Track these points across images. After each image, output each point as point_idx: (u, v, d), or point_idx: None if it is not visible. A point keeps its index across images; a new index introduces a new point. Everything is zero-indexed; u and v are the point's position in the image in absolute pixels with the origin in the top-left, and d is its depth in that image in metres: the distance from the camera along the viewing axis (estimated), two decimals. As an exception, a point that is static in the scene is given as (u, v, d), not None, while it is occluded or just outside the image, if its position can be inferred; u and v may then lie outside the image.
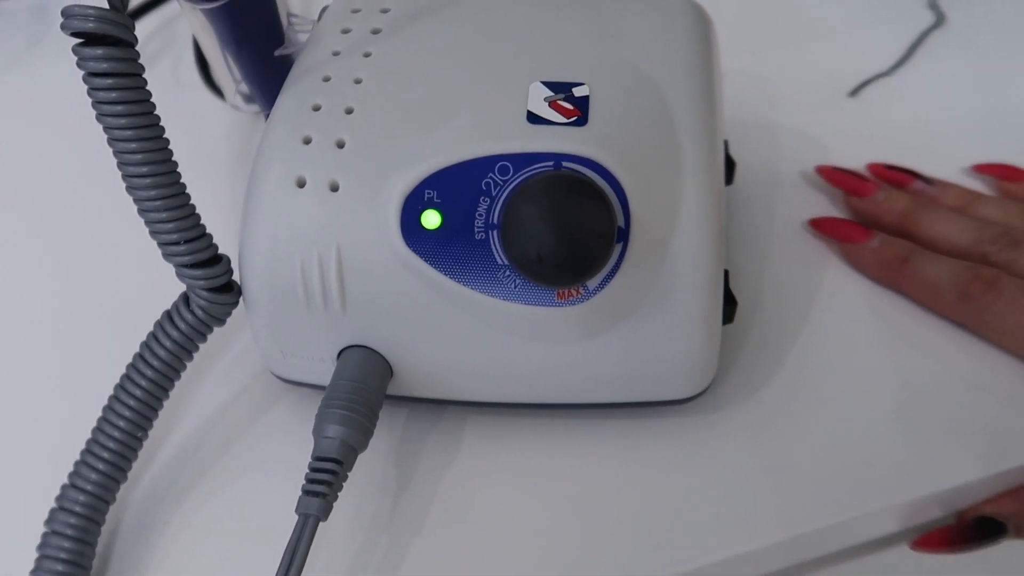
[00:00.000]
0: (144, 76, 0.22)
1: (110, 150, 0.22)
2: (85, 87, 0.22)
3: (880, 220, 0.30)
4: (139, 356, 0.25)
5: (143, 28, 0.40)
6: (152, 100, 0.22)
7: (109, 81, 0.21)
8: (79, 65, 0.21)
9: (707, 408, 0.27)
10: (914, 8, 0.40)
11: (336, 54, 0.25)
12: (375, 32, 0.25)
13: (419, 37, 0.25)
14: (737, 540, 0.24)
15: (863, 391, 0.27)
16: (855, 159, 0.33)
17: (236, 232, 0.24)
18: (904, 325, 0.28)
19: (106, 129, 0.22)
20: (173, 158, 0.23)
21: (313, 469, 0.23)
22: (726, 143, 0.30)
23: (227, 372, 0.29)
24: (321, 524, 0.22)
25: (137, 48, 0.21)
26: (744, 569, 0.25)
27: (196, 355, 0.25)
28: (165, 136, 0.22)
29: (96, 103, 0.22)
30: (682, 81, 0.24)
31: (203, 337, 0.26)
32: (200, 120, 0.36)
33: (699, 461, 0.26)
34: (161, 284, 0.25)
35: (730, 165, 0.30)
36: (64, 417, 0.26)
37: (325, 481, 0.22)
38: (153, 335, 0.25)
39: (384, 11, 0.26)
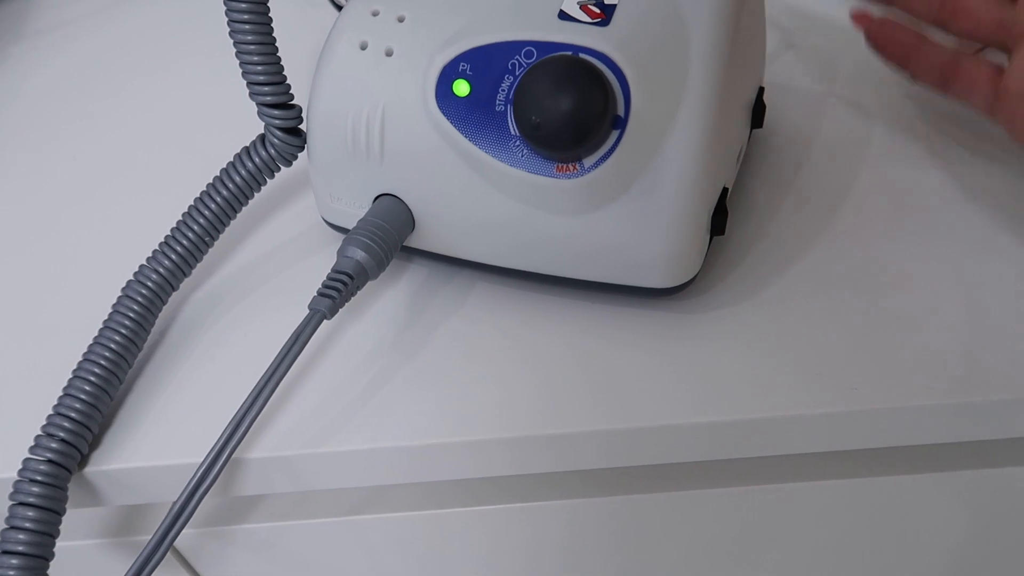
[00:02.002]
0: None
1: None
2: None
3: None
4: (218, 179, 0.31)
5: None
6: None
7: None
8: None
9: (689, 308, 0.29)
10: None
11: (415, -51, 0.30)
12: (452, -62, 0.30)
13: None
14: (679, 413, 0.27)
15: (844, 321, 0.29)
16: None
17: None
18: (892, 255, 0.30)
19: (220, -18, 0.27)
20: (270, 13, 0.28)
21: (330, 278, 0.27)
22: (762, 89, 0.33)
23: (286, 221, 0.34)
24: (329, 336, 0.27)
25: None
26: (703, 443, 0.28)
27: (264, 203, 0.31)
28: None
29: (216, -43, 0.27)
30: (705, 8, 0.27)
31: (272, 173, 0.31)
32: (312, 20, 0.42)
33: (669, 348, 0.28)
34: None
35: (760, 109, 0.32)
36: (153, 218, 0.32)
37: (337, 288, 0.27)
38: (231, 164, 0.31)
39: (465, -77, 0.30)
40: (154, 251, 0.30)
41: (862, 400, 0.27)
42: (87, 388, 0.27)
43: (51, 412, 0.27)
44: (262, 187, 0.31)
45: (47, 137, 0.39)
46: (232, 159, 0.31)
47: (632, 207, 0.27)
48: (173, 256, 0.30)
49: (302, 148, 0.30)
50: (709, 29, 0.27)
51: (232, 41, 0.28)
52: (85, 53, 0.43)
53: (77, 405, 0.27)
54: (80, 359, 0.28)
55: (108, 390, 0.27)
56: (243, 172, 0.30)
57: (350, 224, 0.30)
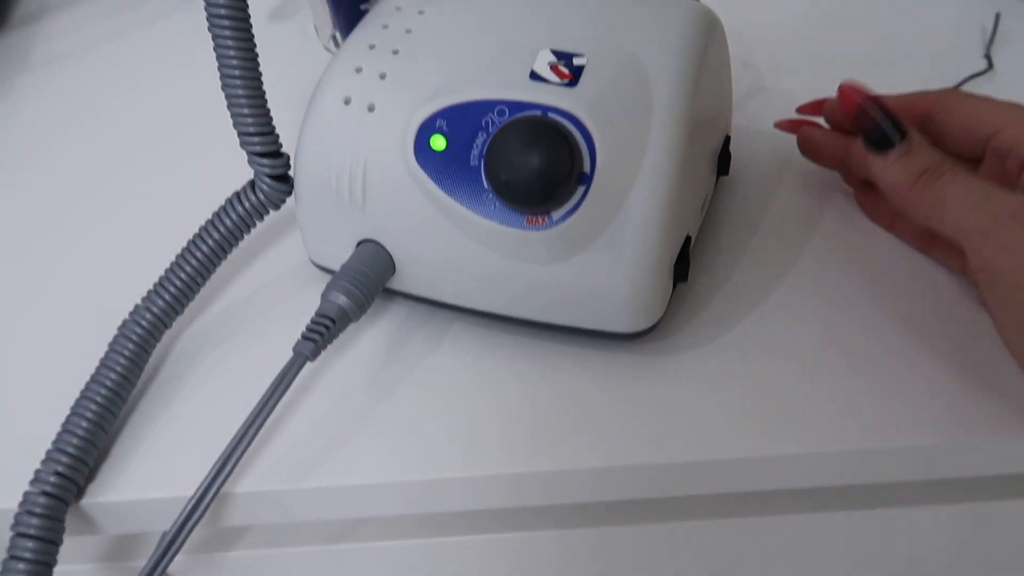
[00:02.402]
0: (247, 2, 0.29)
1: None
2: (204, 4, 0.29)
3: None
4: (209, 222, 0.32)
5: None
6: (249, 21, 0.29)
7: (222, 1, 0.28)
8: (204, -11, 0.28)
9: (654, 351, 0.31)
10: (969, 53, 0.42)
11: (398, 9, 0.31)
12: (433, -3, 0.32)
13: (466, 3, 0.31)
14: (630, 453, 0.29)
15: (803, 364, 0.30)
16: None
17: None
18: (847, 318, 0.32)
19: (214, 39, 0.29)
20: (260, 70, 0.30)
21: (313, 322, 0.29)
22: (728, 139, 0.34)
23: (273, 260, 0.35)
24: (312, 374, 0.28)
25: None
26: (658, 482, 0.29)
27: (253, 244, 0.32)
28: (256, 51, 0.29)
29: (210, 16, 0.29)
30: (669, 68, 0.29)
31: (260, 216, 0.32)
32: (301, 60, 0.43)
33: (634, 389, 0.30)
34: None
35: (726, 158, 0.34)
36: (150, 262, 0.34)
37: (320, 332, 0.28)
38: (223, 208, 0.32)
39: (445, -18, 0.32)
40: (148, 291, 0.31)
41: (820, 442, 0.28)
42: (84, 424, 0.28)
43: (50, 447, 0.28)
44: (252, 229, 0.33)
45: (47, 168, 0.41)
46: (223, 203, 0.32)
47: (598, 257, 0.28)
48: (167, 296, 0.31)
49: (290, 193, 0.32)
50: (672, 89, 0.28)
51: (224, 93, 0.30)
52: (86, 84, 0.45)
53: (74, 440, 0.28)
54: (78, 396, 0.29)
55: (104, 426, 0.29)
56: (233, 216, 0.32)
57: (335, 265, 0.32)
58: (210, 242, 0.32)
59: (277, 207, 0.32)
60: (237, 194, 0.32)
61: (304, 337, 0.28)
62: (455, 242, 0.29)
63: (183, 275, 0.31)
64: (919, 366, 0.30)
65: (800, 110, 0.35)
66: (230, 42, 0.29)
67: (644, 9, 0.31)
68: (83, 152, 0.41)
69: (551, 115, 0.27)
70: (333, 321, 0.29)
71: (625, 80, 0.28)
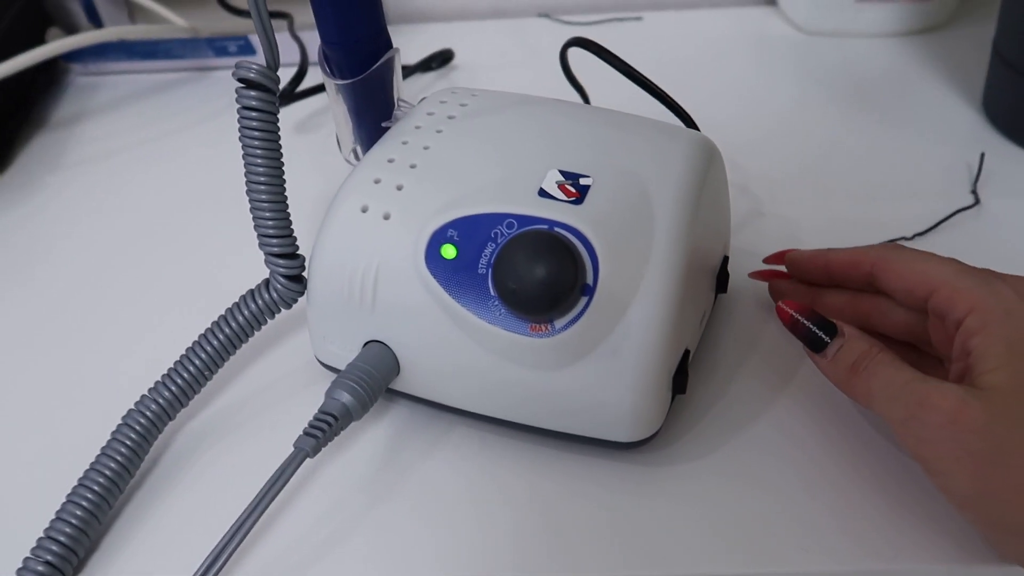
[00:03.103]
0: (278, 116, 0.31)
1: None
2: (238, 117, 0.31)
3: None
4: (222, 317, 0.33)
5: (315, 103, 0.51)
6: (279, 134, 0.31)
7: (254, 114, 0.30)
8: (237, 101, 0.31)
9: (651, 462, 0.31)
10: (957, 189, 0.44)
11: (418, 127, 0.33)
12: (451, 117, 0.34)
13: (483, 125, 0.33)
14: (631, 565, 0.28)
15: (799, 482, 0.30)
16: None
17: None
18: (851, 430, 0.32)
19: (244, 147, 0.31)
20: (283, 176, 0.31)
21: (316, 418, 0.29)
22: (726, 259, 0.36)
23: (279, 359, 0.36)
24: (310, 473, 0.28)
25: (276, 95, 0.31)
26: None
27: (261, 342, 0.33)
28: (281, 160, 0.31)
29: (241, 128, 0.31)
30: (670, 191, 0.30)
31: (272, 314, 0.33)
32: (322, 171, 0.46)
33: (629, 500, 0.30)
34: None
35: (724, 277, 0.35)
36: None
37: (322, 429, 0.29)
38: (236, 305, 0.33)
39: (463, 105, 0.34)
40: (156, 382, 0.32)
41: (813, 561, 0.28)
42: (78, 513, 0.28)
43: (42, 535, 0.28)
44: (262, 326, 0.34)
45: (67, 261, 0.42)
46: (237, 300, 0.33)
47: (598, 366, 0.29)
48: (173, 388, 0.32)
49: (302, 293, 0.33)
50: (673, 211, 0.30)
51: (248, 198, 0.31)
52: (113, 185, 0.47)
53: (67, 529, 0.28)
54: (76, 483, 0.29)
55: (98, 515, 0.29)
56: (246, 312, 0.33)
57: (341, 365, 0.32)
58: (220, 337, 0.33)
59: (289, 306, 0.33)
60: (251, 292, 0.33)
61: (306, 433, 0.29)
62: (460, 346, 0.30)
63: (192, 368, 0.32)
64: (918, 488, 0.30)
65: (766, 261, 0.37)
66: (258, 148, 0.31)
67: (647, 136, 0.33)
68: (103, 247, 0.43)
69: (557, 229, 0.29)
70: (336, 418, 0.29)
71: (628, 200, 0.30)
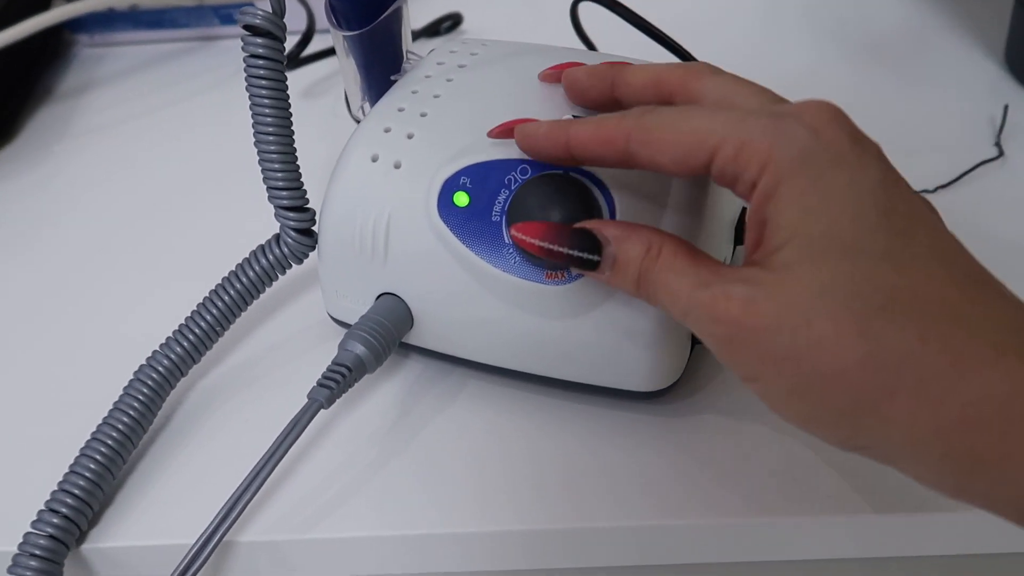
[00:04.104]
0: (284, 64, 0.30)
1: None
2: (244, 66, 0.30)
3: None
4: (232, 273, 0.33)
5: (324, 67, 0.51)
6: (286, 83, 0.31)
7: (260, 62, 0.30)
8: (243, 48, 0.30)
9: (670, 412, 0.30)
10: (980, 142, 0.43)
11: (428, 76, 0.33)
12: (461, 66, 0.33)
13: (494, 73, 0.32)
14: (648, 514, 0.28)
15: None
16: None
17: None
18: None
19: (251, 96, 0.30)
20: (292, 127, 0.31)
21: (330, 369, 0.29)
22: (745, 210, 0.35)
23: (290, 316, 0.36)
24: (323, 427, 0.28)
25: (283, 43, 0.30)
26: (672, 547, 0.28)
27: (271, 300, 0.33)
28: (289, 110, 0.31)
29: (248, 77, 0.30)
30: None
31: (283, 270, 0.33)
32: (329, 134, 0.45)
33: (648, 449, 0.29)
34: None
35: (742, 228, 0.34)
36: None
37: (335, 380, 0.28)
38: (247, 260, 0.33)
39: (473, 54, 0.34)
40: (167, 338, 0.32)
41: (834, 508, 0.28)
42: (92, 467, 0.28)
43: (56, 488, 0.28)
44: (273, 282, 0.33)
45: (78, 225, 0.42)
46: (248, 255, 0.33)
47: (616, 314, 0.28)
48: (184, 344, 0.31)
49: (313, 248, 0.33)
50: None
51: (256, 149, 0.31)
52: (121, 151, 0.47)
53: (81, 483, 0.28)
54: (88, 438, 0.29)
55: (112, 469, 0.29)
56: (257, 268, 0.33)
57: (353, 319, 0.32)
58: (232, 292, 0.32)
59: (300, 261, 0.33)
60: (262, 247, 0.33)
61: (320, 384, 0.28)
62: (474, 296, 0.29)
63: (203, 324, 0.32)
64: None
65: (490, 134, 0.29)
66: (265, 98, 0.30)
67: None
68: (111, 215, 0.43)
69: (572, 173, 0.28)
70: (349, 369, 0.29)
71: (644, 144, 0.29)
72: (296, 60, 0.49)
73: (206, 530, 0.26)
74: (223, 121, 0.48)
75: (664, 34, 0.36)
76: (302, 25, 0.49)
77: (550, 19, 0.52)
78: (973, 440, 0.20)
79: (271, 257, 0.32)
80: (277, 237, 0.33)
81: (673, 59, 0.36)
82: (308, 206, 0.32)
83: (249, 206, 0.40)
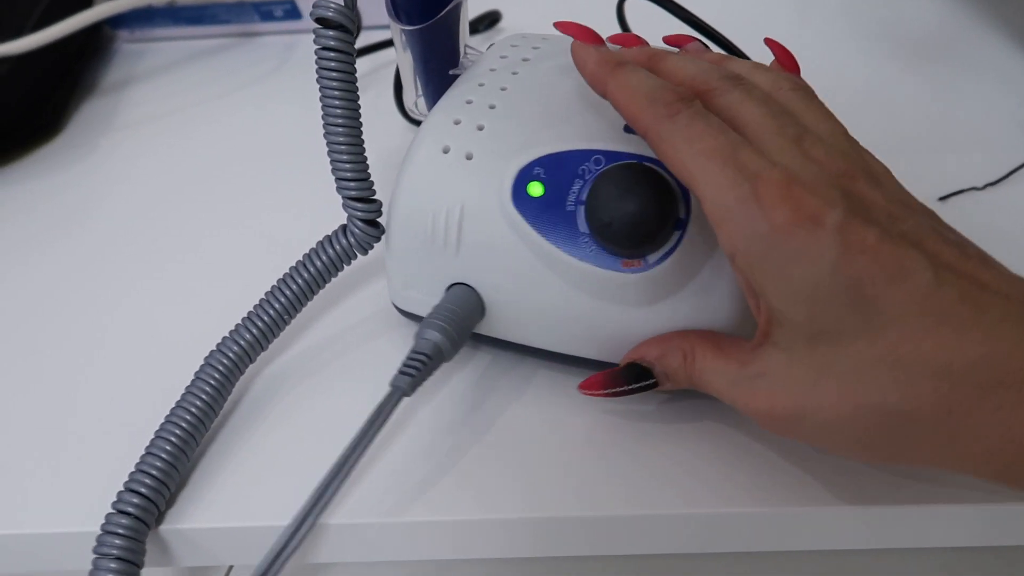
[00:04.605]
0: (355, 56, 0.31)
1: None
2: (315, 58, 0.31)
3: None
4: (300, 263, 0.33)
5: (367, 63, 0.51)
6: (355, 75, 0.31)
7: (332, 55, 0.30)
8: (315, 41, 0.30)
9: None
10: (1020, 142, 0.43)
11: (493, 70, 0.33)
12: (525, 60, 0.34)
13: (557, 66, 0.33)
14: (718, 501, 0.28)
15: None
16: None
17: (389, 190, 0.32)
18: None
19: (321, 88, 0.31)
20: (360, 119, 0.31)
21: (410, 358, 0.29)
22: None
23: (354, 306, 0.36)
24: (403, 419, 0.28)
25: (354, 35, 0.30)
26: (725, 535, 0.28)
27: (335, 289, 0.33)
28: (358, 103, 0.31)
29: (319, 70, 0.30)
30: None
31: (349, 260, 0.33)
32: (377, 128, 0.45)
33: (722, 435, 0.30)
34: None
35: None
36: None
37: (417, 367, 0.29)
38: (314, 250, 0.33)
39: (535, 48, 0.34)
40: (236, 325, 0.32)
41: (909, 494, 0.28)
42: (168, 448, 0.28)
43: (133, 469, 0.28)
44: (339, 272, 0.33)
45: (132, 216, 0.42)
46: (315, 245, 0.33)
47: (691, 300, 0.29)
48: (254, 330, 0.32)
49: (379, 239, 0.33)
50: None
51: (326, 140, 0.31)
52: (169, 146, 0.47)
53: (158, 463, 0.28)
54: (163, 420, 0.29)
55: (186, 451, 0.29)
56: (324, 258, 0.33)
57: (420, 310, 0.32)
58: (300, 281, 0.33)
59: (366, 252, 0.33)
60: (328, 237, 0.33)
61: (401, 372, 0.29)
62: (548, 285, 0.30)
63: (272, 311, 0.32)
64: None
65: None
66: (336, 90, 0.30)
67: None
68: (158, 205, 0.43)
69: (646, 164, 0.29)
70: (429, 357, 0.29)
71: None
72: None
73: (299, 514, 0.27)
74: (265, 116, 0.49)
75: (716, 30, 0.36)
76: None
77: (589, 18, 0.52)
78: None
79: (338, 247, 0.33)
80: (343, 228, 0.33)
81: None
82: (375, 197, 0.32)
83: (289, 195, 0.41)
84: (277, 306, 0.32)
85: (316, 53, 0.30)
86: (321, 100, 0.31)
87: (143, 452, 0.28)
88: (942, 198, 0.40)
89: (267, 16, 0.54)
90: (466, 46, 0.37)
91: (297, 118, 0.48)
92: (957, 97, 0.46)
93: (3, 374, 0.35)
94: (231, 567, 0.35)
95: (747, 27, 0.52)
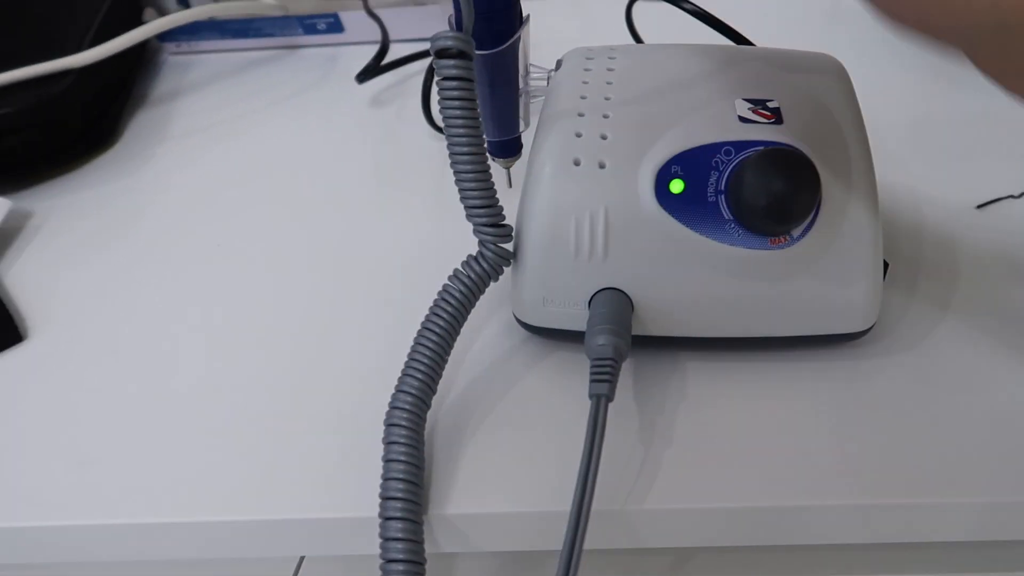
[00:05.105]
0: (473, 82, 0.31)
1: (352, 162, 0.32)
2: (439, 88, 0.30)
3: None
4: (438, 304, 0.32)
5: (389, 79, 0.52)
6: (476, 100, 0.31)
7: (454, 83, 0.30)
8: (438, 72, 0.30)
9: (866, 355, 0.34)
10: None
11: (586, 83, 0.34)
12: (609, 70, 0.35)
13: (645, 71, 0.35)
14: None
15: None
16: (970, 259, 0.38)
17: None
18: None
19: (448, 119, 0.31)
20: (484, 145, 0.31)
21: (595, 367, 0.30)
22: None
23: (477, 330, 0.36)
24: (576, 414, 0.29)
25: (472, 60, 0.30)
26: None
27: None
28: (480, 128, 0.31)
29: (442, 99, 0.30)
30: (844, 106, 0.33)
31: (483, 289, 0.33)
32: (398, 139, 0.47)
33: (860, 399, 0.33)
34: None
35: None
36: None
37: (607, 370, 0.29)
38: (448, 286, 0.33)
39: (611, 58, 0.36)
40: (401, 377, 0.31)
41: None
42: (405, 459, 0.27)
43: (384, 474, 0.27)
44: (476, 303, 0.33)
45: (185, 221, 0.44)
46: (447, 281, 0.33)
47: (832, 266, 0.31)
48: (419, 375, 0.31)
49: (509, 263, 0.33)
50: (851, 117, 0.33)
51: (453, 171, 0.31)
52: (217, 156, 0.48)
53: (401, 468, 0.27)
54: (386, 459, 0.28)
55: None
56: (461, 289, 0.32)
57: (559, 324, 0.33)
58: (442, 323, 0.32)
59: (497, 277, 0.33)
60: (459, 270, 0.33)
61: (596, 380, 0.29)
62: (696, 274, 0.31)
63: (425, 359, 0.31)
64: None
65: None
66: (461, 119, 0.31)
67: (786, 59, 0.36)
68: (218, 214, 0.44)
69: (781, 146, 0.31)
70: (615, 361, 0.30)
71: (813, 113, 0.33)
72: (371, 72, 0.51)
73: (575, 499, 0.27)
74: (312, 127, 0.50)
75: (727, 25, 0.40)
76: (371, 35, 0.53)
77: (599, 29, 0.55)
78: None
79: (473, 276, 0.33)
80: (473, 257, 0.33)
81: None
82: (505, 223, 0.33)
83: (336, 205, 0.44)
84: (428, 352, 0.31)
85: (438, 84, 0.30)
86: (447, 131, 0.31)
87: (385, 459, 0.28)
88: (980, 206, 0.40)
89: (310, 30, 0.56)
90: (530, 64, 0.38)
91: (339, 130, 0.49)
92: (995, 106, 0.46)
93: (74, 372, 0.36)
94: (303, 558, 0.36)
95: (779, 37, 0.52)
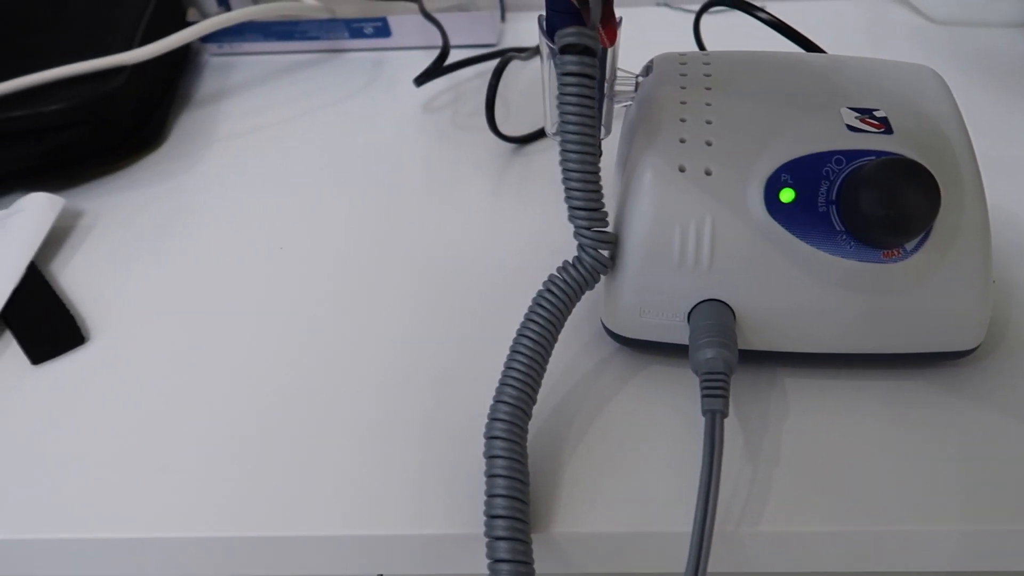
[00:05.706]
0: (595, 80, 0.29)
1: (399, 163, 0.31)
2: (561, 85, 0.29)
3: None
4: (532, 311, 0.31)
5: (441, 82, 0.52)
6: (594, 99, 0.30)
7: (575, 79, 0.29)
8: (558, 67, 0.29)
9: (970, 375, 0.33)
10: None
11: (684, 88, 0.33)
12: (706, 76, 0.34)
13: (744, 78, 0.34)
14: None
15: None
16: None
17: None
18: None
19: (565, 118, 0.29)
20: (598, 146, 0.30)
21: (706, 381, 0.29)
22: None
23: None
24: (687, 432, 0.28)
25: (597, 56, 0.29)
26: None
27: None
28: (596, 128, 0.30)
29: (561, 95, 0.29)
30: (949, 116, 0.33)
31: (580, 295, 0.32)
32: (453, 143, 0.46)
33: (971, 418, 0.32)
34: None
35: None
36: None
37: (720, 384, 0.28)
38: (545, 292, 0.31)
39: (706, 63, 0.35)
40: (498, 388, 0.30)
41: None
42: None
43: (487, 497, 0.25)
44: (572, 310, 0.32)
45: (247, 226, 0.44)
46: (542, 287, 0.32)
47: (944, 279, 0.30)
48: (516, 384, 0.29)
49: (607, 269, 0.32)
50: (958, 127, 0.32)
51: (561, 170, 0.30)
52: (262, 159, 0.48)
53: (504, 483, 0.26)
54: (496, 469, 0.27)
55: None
56: (558, 294, 0.31)
57: (655, 336, 0.32)
58: (537, 327, 0.31)
59: (593, 284, 0.32)
60: (557, 274, 0.32)
61: (708, 396, 0.28)
62: (804, 286, 0.30)
63: (522, 366, 0.30)
64: None
65: None
66: (578, 119, 0.29)
67: (887, 69, 0.35)
68: (266, 214, 0.43)
69: (892, 156, 0.30)
70: (726, 375, 0.29)
71: (922, 124, 0.32)
72: (431, 75, 0.51)
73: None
74: (363, 132, 0.49)
75: (797, 31, 0.39)
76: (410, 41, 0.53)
77: (660, 45, 0.54)
78: None
79: (571, 281, 0.31)
80: (571, 262, 0.32)
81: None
82: (608, 229, 0.31)
83: (379, 205, 0.43)
84: (526, 360, 0.30)
85: (560, 80, 0.29)
86: (560, 127, 0.30)
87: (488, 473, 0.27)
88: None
89: (357, 33, 0.55)
90: (618, 68, 0.37)
91: (385, 134, 0.49)
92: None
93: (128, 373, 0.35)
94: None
95: (843, 48, 0.52)
